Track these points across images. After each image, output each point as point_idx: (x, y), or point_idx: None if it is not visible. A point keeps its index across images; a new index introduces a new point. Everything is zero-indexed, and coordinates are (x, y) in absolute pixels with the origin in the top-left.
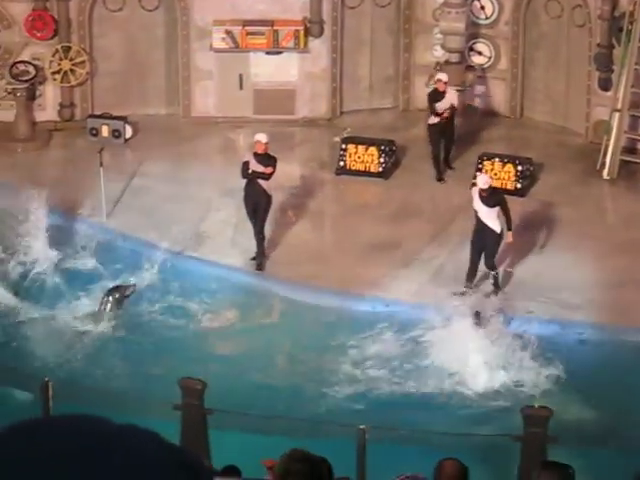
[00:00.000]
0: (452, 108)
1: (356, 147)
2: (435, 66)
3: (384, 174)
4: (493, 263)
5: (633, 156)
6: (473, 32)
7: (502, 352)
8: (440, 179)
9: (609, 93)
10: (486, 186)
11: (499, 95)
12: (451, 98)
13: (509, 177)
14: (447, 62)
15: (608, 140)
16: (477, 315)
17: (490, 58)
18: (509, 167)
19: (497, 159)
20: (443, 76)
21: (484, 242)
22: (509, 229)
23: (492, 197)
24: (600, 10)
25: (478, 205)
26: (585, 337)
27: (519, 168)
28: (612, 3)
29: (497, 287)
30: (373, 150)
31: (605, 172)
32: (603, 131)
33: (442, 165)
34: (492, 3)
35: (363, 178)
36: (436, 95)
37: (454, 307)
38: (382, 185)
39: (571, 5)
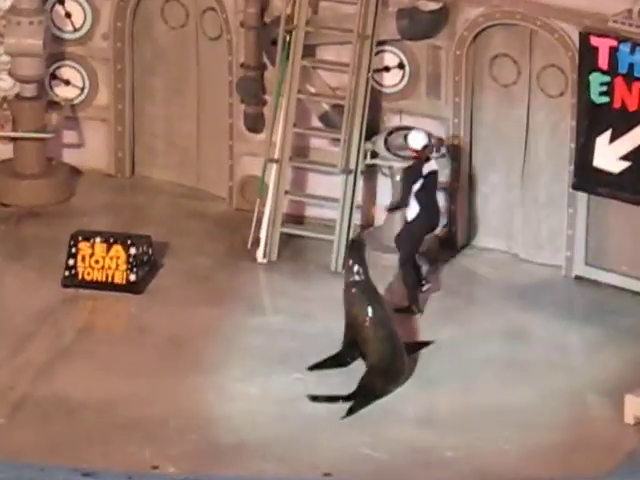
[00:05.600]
0: None
1: None
2: (1, 103)
3: None
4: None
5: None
6: (57, 52)
7: None
8: None
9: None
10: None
11: (99, 145)
12: None
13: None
14: (19, 96)
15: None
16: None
17: (83, 89)
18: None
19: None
20: None
21: None
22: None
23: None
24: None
25: None
26: None
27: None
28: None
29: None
30: None
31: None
32: (258, 193)
33: None
34: (83, 9)
35: None
36: None
37: None
38: None
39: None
